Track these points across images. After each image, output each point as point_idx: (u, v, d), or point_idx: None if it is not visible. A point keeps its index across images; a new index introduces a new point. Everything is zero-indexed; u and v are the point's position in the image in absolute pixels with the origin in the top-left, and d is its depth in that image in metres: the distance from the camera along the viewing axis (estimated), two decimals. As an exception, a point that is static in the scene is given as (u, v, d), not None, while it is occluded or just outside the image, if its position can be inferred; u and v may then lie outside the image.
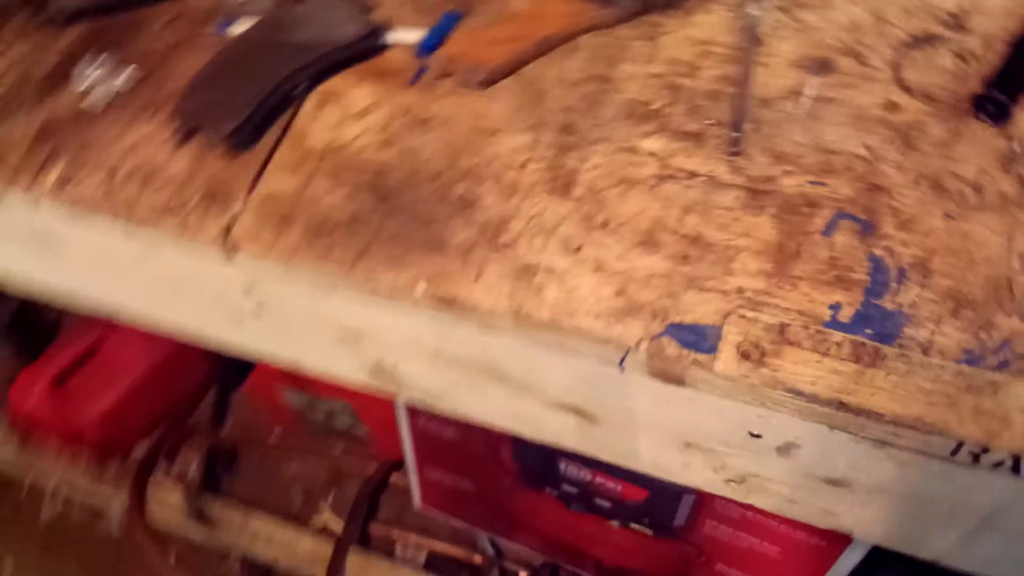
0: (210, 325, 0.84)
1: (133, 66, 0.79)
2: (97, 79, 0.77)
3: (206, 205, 0.72)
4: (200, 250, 0.72)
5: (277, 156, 0.74)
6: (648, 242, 0.68)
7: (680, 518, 1.21)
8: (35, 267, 0.85)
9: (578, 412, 0.75)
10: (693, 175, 0.71)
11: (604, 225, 0.69)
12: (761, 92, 0.74)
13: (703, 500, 1.16)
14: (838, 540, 1.01)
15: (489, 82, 0.75)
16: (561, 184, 0.71)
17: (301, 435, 1.65)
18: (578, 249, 0.68)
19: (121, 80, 0.78)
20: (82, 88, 0.78)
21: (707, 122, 0.73)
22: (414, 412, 1.31)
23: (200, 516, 1.52)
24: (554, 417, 0.77)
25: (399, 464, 1.50)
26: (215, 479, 1.63)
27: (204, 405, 1.71)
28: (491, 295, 0.67)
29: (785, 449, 0.68)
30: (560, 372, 0.70)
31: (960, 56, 0.74)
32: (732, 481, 0.73)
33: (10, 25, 0.84)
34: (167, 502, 1.55)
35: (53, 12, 0.82)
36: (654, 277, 0.67)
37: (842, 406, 0.62)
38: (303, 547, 1.52)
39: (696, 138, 0.72)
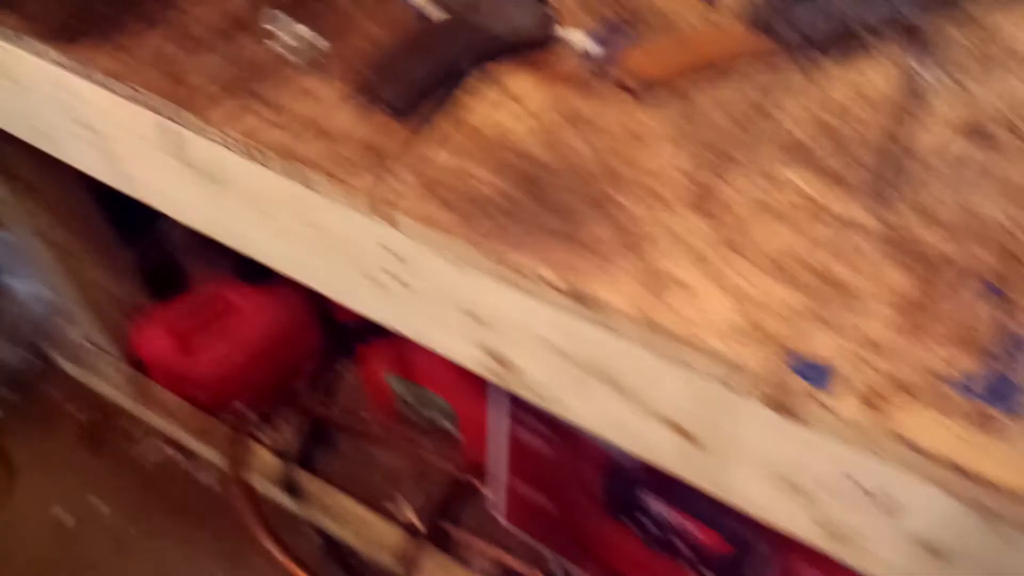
0: (348, 281, 0.86)
1: (317, 20, 0.83)
2: (292, 29, 0.81)
3: (362, 161, 0.75)
4: (348, 201, 0.75)
5: (435, 127, 0.77)
6: (780, 271, 0.68)
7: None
8: (201, 199, 0.90)
9: (681, 431, 0.75)
10: (835, 214, 0.70)
11: (740, 248, 0.69)
12: (912, 146, 0.73)
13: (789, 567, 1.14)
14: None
15: (650, 93, 0.76)
16: (704, 201, 0.71)
17: (397, 424, 1.67)
18: (710, 265, 0.68)
19: (305, 32, 0.82)
20: (276, 34, 0.82)
21: (854, 165, 0.72)
22: (513, 421, 1.32)
23: (290, 486, 1.55)
24: (656, 432, 0.77)
25: (484, 473, 1.51)
26: (310, 452, 1.67)
27: (312, 377, 1.76)
28: (623, 296, 0.67)
29: (889, 506, 0.66)
30: (674, 386, 0.70)
31: None
32: (826, 530, 0.72)
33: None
34: (264, 466, 1.59)
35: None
36: (785, 307, 0.66)
37: (958, 470, 0.60)
38: (380, 535, 1.54)
39: (842, 179, 0.72)
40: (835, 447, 0.64)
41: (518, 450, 1.37)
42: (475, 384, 1.46)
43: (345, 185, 0.74)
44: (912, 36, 0.76)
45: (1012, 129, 0.74)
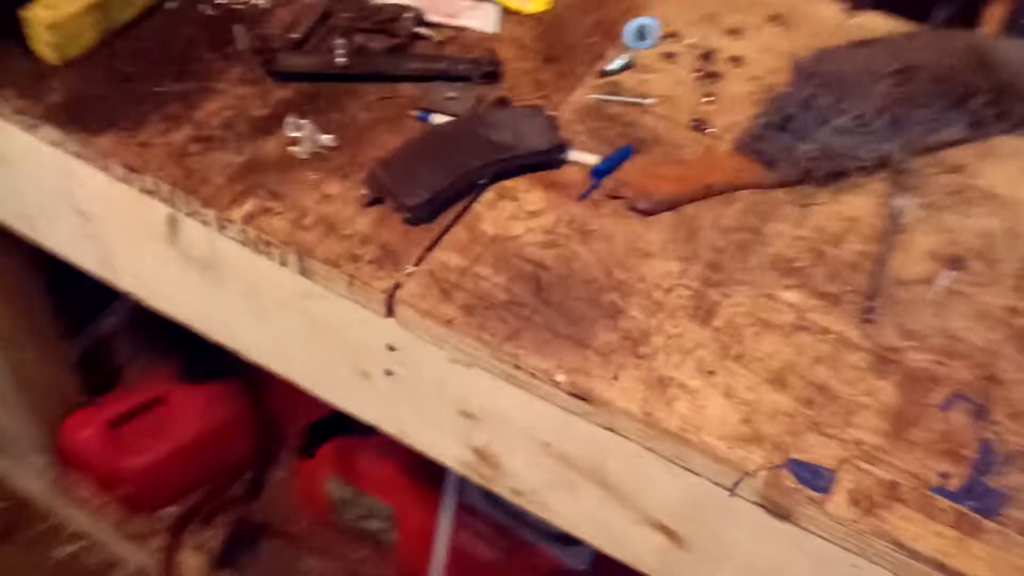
0: (338, 377, 0.88)
1: (336, 127, 0.87)
2: (305, 132, 0.85)
3: (379, 263, 0.79)
4: (362, 301, 0.78)
5: (450, 234, 0.81)
6: (777, 381, 0.73)
7: None
8: (194, 290, 0.91)
9: (668, 532, 0.78)
10: (826, 331, 0.76)
11: (738, 357, 0.74)
12: (897, 273, 0.80)
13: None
14: None
15: (653, 211, 0.82)
16: (703, 313, 0.77)
17: (327, 529, 1.66)
18: (712, 373, 0.73)
19: (325, 138, 0.86)
20: (290, 135, 0.86)
21: (845, 288, 0.79)
22: (458, 525, 1.33)
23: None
24: (642, 534, 0.80)
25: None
26: (237, 555, 1.63)
27: (243, 477, 1.73)
28: (625, 397, 0.71)
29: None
30: (666, 486, 0.74)
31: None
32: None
33: (236, 69, 0.93)
34: (187, 566, 1.55)
35: (278, 67, 0.91)
36: (779, 413, 0.71)
37: (940, 567, 0.65)
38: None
39: (833, 299, 0.78)
40: (824, 547, 0.69)
41: (460, 555, 1.37)
42: (420, 490, 1.47)
43: (362, 285, 0.77)
44: (897, 174, 0.84)
45: (987, 260, 0.82)
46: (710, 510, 0.74)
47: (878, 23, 1.02)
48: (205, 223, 0.83)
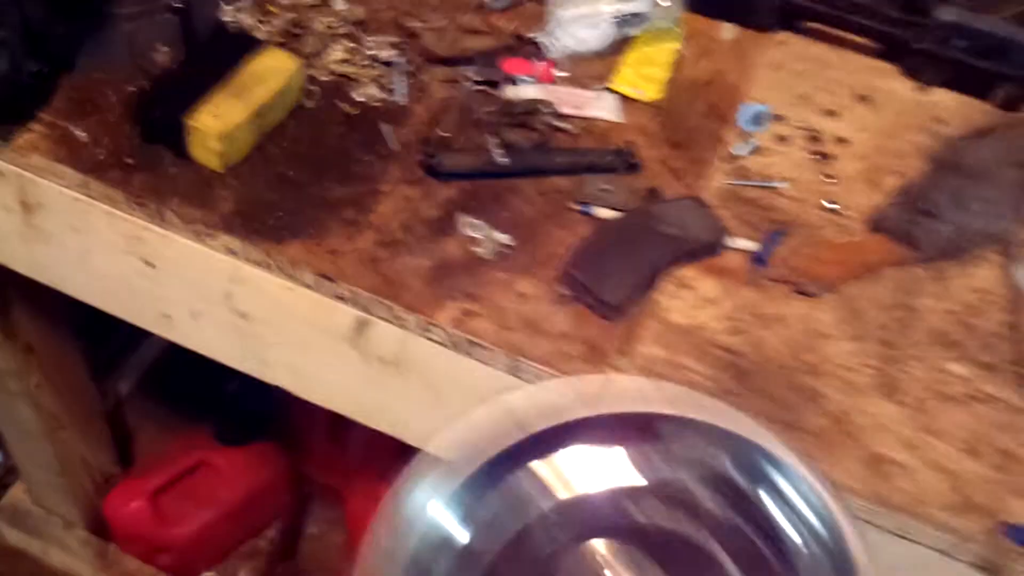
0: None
1: (507, 225, 0.92)
2: (483, 232, 0.90)
3: (587, 358, 0.84)
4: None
5: (644, 327, 0.87)
6: (970, 450, 0.82)
7: None
8: (367, 385, 0.94)
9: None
10: (995, 399, 0.86)
11: (931, 430, 0.83)
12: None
13: None
14: None
15: (819, 293, 0.90)
16: (888, 389, 0.85)
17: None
18: (915, 447, 0.81)
19: (502, 236, 0.90)
20: (467, 235, 0.90)
21: (997, 356, 0.88)
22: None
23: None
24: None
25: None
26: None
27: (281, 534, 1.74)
28: (848, 476, 0.79)
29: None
30: (889, 559, 0.82)
31: None
32: None
33: (394, 169, 0.96)
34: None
35: (437, 166, 0.94)
36: (980, 480, 0.80)
37: None
38: None
39: (992, 368, 0.88)
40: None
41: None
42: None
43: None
44: (1010, 245, 0.94)
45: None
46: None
47: (948, 100, 1.11)
48: (403, 327, 0.87)
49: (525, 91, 1.04)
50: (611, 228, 0.92)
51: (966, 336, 0.90)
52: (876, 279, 0.93)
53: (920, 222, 0.93)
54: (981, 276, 0.95)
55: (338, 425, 1.57)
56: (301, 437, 1.72)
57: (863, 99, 1.10)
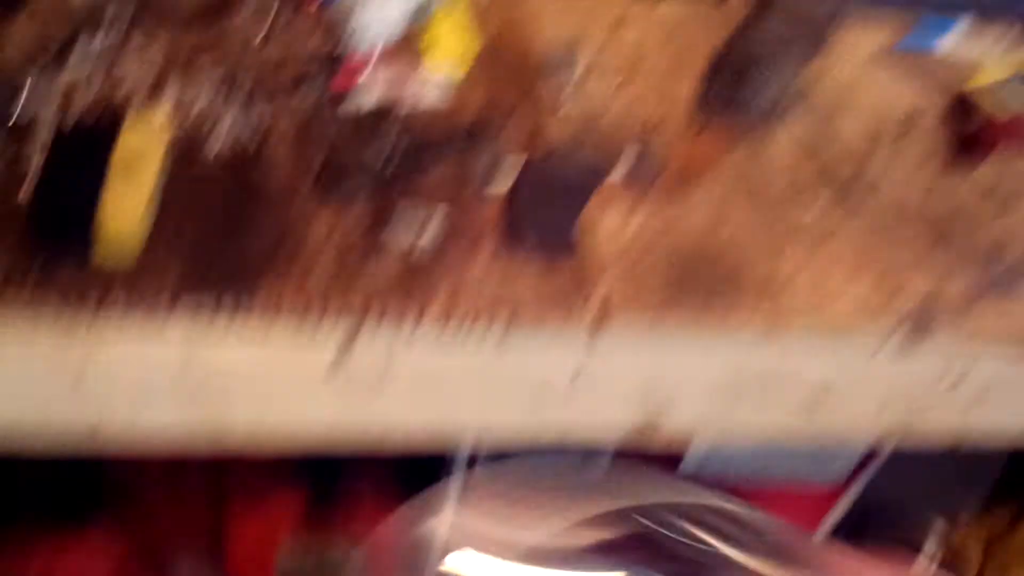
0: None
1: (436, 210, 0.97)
2: (414, 221, 0.95)
3: (560, 304, 0.93)
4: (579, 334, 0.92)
5: (591, 259, 0.97)
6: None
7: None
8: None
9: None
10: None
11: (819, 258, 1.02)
12: None
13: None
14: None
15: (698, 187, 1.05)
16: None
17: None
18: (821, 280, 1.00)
19: (434, 220, 0.96)
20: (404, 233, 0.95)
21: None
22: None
23: None
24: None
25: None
26: None
27: None
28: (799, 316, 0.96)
29: None
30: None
31: None
32: None
33: (298, 205, 0.96)
34: None
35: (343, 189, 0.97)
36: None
37: None
38: None
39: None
40: None
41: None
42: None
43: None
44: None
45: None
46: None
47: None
48: (389, 335, 0.90)
49: (364, 101, 1.06)
50: (519, 189, 1.00)
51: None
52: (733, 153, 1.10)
53: (737, 93, 1.11)
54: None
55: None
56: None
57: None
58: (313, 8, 1.13)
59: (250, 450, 1.00)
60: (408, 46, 1.12)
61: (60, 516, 1.51)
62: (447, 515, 0.92)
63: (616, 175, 1.05)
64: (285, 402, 0.95)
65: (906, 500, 1.49)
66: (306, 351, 0.90)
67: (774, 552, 0.81)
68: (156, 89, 0.99)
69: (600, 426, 1.01)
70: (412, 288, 0.91)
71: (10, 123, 0.87)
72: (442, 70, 1.12)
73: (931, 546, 1.50)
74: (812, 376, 1.01)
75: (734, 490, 0.97)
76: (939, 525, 1.51)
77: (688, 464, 1.40)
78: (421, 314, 0.89)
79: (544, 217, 0.96)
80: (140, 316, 0.85)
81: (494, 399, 0.97)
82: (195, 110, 1.00)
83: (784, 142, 1.14)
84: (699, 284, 0.96)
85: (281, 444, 1.00)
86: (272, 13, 1.11)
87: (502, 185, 1.01)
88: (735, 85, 1.12)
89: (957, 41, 1.31)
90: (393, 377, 0.92)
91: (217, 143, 0.99)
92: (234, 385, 0.92)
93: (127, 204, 0.85)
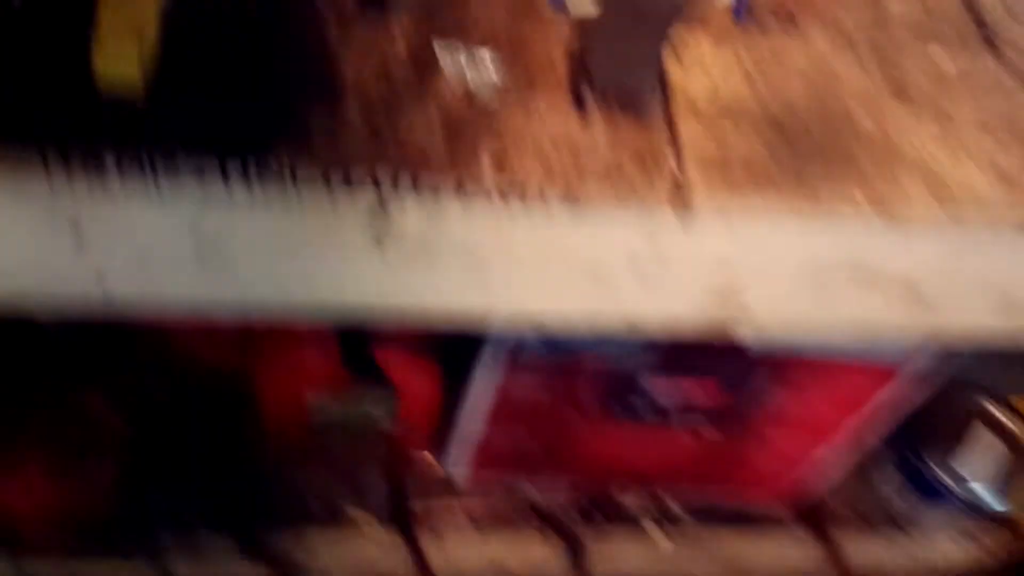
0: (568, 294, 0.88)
1: (489, 50, 0.82)
2: (465, 64, 0.79)
3: (641, 167, 0.79)
4: (652, 211, 0.79)
5: (675, 112, 0.82)
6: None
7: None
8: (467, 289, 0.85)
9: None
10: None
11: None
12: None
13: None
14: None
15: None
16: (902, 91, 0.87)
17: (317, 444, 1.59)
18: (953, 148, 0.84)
19: (488, 63, 0.80)
20: (455, 75, 0.80)
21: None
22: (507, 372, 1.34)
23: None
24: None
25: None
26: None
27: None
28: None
29: None
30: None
31: None
32: None
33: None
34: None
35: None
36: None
37: None
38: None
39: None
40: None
41: (505, 397, 1.40)
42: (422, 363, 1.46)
43: (634, 192, 0.78)
44: None
45: None
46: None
47: None
48: (432, 198, 0.77)
49: None
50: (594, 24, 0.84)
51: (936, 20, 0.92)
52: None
53: None
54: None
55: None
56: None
57: None
58: None
59: (274, 320, 0.90)
60: None
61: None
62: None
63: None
64: (316, 274, 0.84)
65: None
66: (335, 217, 0.78)
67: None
68: None
69: (670, 317, 0.89)
70: (456, 147, 0.77)
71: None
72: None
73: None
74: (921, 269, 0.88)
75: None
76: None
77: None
78: (465, 180, 0.76)
79: (620, 55, 0.81)
80: (146, 175, 0.73)
81: (551, 282, 0.85)
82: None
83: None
84: (796, 155, 0.81)
85: (311, 316, 0.90)
86: None
87: (580, 6, 0.85)
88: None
89: None
90: (434, 252, 0.80)
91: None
92: (251, 255, 0.81)
93: (122, 41, 0.71)
